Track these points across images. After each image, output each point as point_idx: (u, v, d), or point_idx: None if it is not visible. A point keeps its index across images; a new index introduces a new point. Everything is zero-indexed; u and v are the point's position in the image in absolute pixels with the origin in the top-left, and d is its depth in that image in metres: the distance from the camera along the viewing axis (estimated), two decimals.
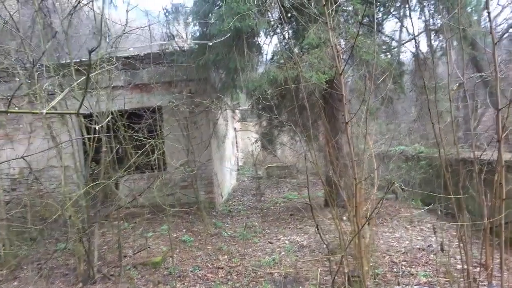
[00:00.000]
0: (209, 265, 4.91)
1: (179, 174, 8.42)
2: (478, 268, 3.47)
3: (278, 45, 7.63)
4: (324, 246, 5.08)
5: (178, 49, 8.15)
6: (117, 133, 5.30)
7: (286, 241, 5.75)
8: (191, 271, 4.66)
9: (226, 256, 5.23)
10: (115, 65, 5.58)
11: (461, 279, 3.11)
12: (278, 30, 7.46)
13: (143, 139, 5.12)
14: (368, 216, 3.94)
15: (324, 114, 5.15)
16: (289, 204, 8.94)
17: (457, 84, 4.15)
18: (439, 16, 6.86)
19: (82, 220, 4.23)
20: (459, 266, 3.87)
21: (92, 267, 3.95)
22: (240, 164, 18.17)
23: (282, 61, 6.44)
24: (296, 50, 6.90)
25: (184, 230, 6.58)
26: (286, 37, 7.25)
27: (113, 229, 6.25)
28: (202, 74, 8.17)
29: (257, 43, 7.43)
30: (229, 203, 9.84)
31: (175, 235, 6.23)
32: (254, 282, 4.22)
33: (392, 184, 2.86)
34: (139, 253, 5.06)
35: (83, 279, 4.07)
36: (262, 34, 7.66)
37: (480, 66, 10.11)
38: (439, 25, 7.06)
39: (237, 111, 16.99)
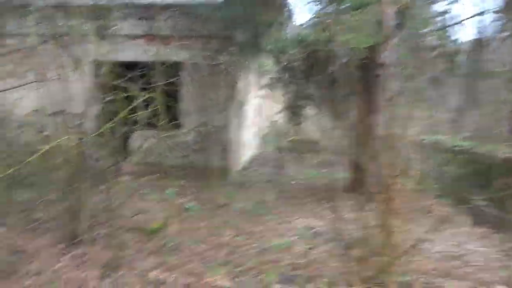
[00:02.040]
0: (211, 239, 4.40)
1: (193, 136, 7.90)
2: None
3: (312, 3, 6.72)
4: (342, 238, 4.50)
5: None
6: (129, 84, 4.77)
7: (301, 225, 5.17)
8: (188, 244, 4.16)
9: (232, 232, 4.71)
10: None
11: None
12: None
13: (154, 95, 4.57)
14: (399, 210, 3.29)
15: (359, 88, 4.41)
16: (309, 182, 8.31)
17: None
18: None
19: (73, 173, 3.74)
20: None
21: (76, 227, 3.50)
22: (263, 133, 17.56)
23: (316, 19, 5.61)
24: (332, 10, 6.03)
25: (191, 197, 6.10)
26: None
27: (115, 186, 5.85)
28: (226, 31, 7.42)
29: None
30: (245, 172, 9.31)
31: (180, 201, 5.76)
32: (258, 269, 3.68)
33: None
34: (136, 216, 4.60)
35: (67, 238, 3.63)
36: None
37: None
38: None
39: (264, 78, 16.21)
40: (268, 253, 4.07)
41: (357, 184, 6.42)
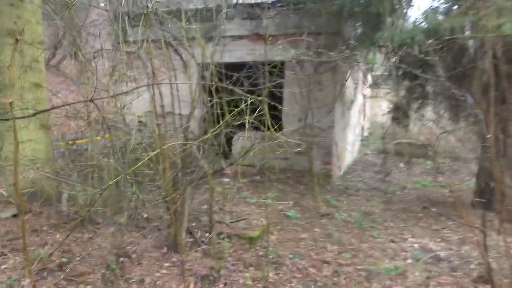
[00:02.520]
0: (312, 254, 4.05)
1: (295, 138, 7.62)
2: None
3: None
4: (476, 265, 3.73)
5: None
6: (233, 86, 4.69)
7: (415, 245, 4.49)
8: (289, 258, 3.87)
9: (335, 247, 4.29)
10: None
11: None
12: None
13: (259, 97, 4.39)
14: None
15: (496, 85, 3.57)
16: (422, 192, 7.38)
17: None
18: None
19: (177, 175, 3.73)
20: None
21: (178, 233, 3.46)
22: (365, 134, 16.52)
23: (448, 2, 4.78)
24: None
25: (291, 203, 5.82)
26: None
27: (216, 189, 5.88)
28: (334, 26, 6.95)
29: None
30: (347, 177, 8.72)
31: (280, 207, 5.52)
32: None
33: None
34: (236, 222, 4.48)
35: (169, 242, 3.64)
36: None
37: None
38: None
39: (368, 76, 15.17)
40: (378, 278, 3.56)
41: (487, 198, 5.41)
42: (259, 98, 3.31)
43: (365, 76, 13.76)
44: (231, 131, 5.60)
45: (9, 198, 4.07)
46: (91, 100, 2.15)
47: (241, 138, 8.13)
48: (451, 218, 5.52)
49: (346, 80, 7.16)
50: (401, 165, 10.99)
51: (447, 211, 5.83)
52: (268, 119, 4.09)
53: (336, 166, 7.92)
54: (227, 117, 3.71)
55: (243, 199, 5.64)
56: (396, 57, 7.15)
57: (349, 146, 10.35)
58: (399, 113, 11.28)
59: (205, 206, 5.11)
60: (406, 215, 5.68)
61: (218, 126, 4.20)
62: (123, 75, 5.34)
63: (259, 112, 3.48)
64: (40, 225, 3.77)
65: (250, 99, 3.22)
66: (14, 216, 4.02)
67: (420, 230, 5.00)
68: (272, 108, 6.23)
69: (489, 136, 3.54)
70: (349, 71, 7.20)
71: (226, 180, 6.70)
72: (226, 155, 8.58)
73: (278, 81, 5.86)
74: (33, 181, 4.24)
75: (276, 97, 6.63)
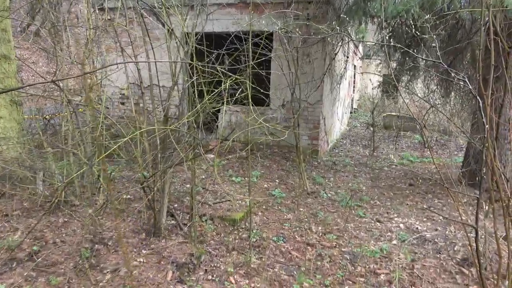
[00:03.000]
0: (297, 236, 3.96)
1: (283, 112, 7.43)
2: None
3: None
4: (461, 247, 3.69)
5: None
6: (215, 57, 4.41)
7: (401, 225, 4.44)
8: (273, 240, 3.78)
9: (320, 228, 4.21)
10: None
11: None
12: None
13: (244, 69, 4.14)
14: None
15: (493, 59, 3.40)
16: (409, 168, 7.34)
17: None
18: None
19: (158, 152, 3.54)
20: None
21: (156, 217, 3.31)
22: (355, 107, 16.37)
23: None
24: None
25: (277, 181, 5.70)
26: None
27: (202, 164, 5.71)
28: None
29: None
30: (335, 152, 8.64)
31: (265, 185, 5.40)
32: (350, 282, 3.15)
33: None
34: (219, 203, 4.35)
35: (149, 226, 3.50)
36: None
37: None
38: None
39: (360, 46, 14.81)
40: (362, 261, 3.50)
41: (475, 177, 5.37)
42: (241, 78, 3.08)
43: (356, 47, 13.43)
44: (216, 105, 5.38)
45: None
46: (53, 81, 1.91)
47: (226, 112, 7.91)
48: (437, 197, 5.50)
49: (336, 54, 6.89)
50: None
51: (434, 189, 5.80)
52: (249, 94, 3.87)
53: (323, 141, 7.80)
54: (208, 94, 3.48)
55: (228, 177, 5.50)
56: (388, 29, 6.89)
57: (338, 120, 10.21)
58: (389, 86, 11.10)
59: (188, 186, 4.96)
60: (392, 193, 5.63)
61: (201, 102, 3.98)
62: (97, 47, 5.00)
63: (243, 87, 3.28)
64: (12, 209, 3.58)
65: (231, 78, 3.00)
66: None
67: (406, 209, 4.96)
68: (258, 82, 6.00)
69: (484, 119, 3.40)
70: (339, 44, 6.93)
71: (211, 156, 6.53)
72: (212, 129, 8.38)
73: (265, 55, 5.61)
74: (5, 161, 4.01)
75: (263, 70, 6.38)
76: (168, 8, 4.80)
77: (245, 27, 7.04)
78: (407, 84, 8.29)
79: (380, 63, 13.88)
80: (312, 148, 7.34)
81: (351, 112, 14.97)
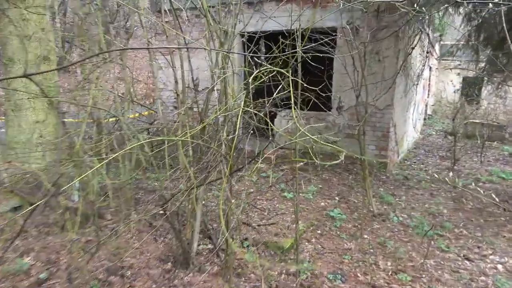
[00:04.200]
0: (359, 274, 3.17)
1: (347, 118, 6.58)
2: None
3: None
4: None
5: None
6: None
7: (499, 266, 3.43)
8: (328, 278, 3.04)
9: (389, 264, 3.37)
10: None
11: None
12: None
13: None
14: None
15: None
16: (501, 187, 6.07)
17: None
18: None
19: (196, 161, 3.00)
20: None
21: (183, 245, 2.75)
22: (429, 112, 14.75)
23: None
24: None
25: (337, 198, 4.90)
26: None
27: (253, 176, 5.12)
28: None
29: None
30: (406, 164, 7.54)
31: (322, 203, 4.63)
32: None
33: None
34: (265, 226, 3.70)
35: (175, 254, 2.95)
36: None
37: None
38: None
39: (436, 45, 13.27)
40: None
41: None
42: (291, 78, 2.42)
43: (432, 46, 12.01)
44: (272, 110, 4.77)
45: (11, 189, 3.61)
46: (25, 76, 1.43)
47: (284, 117, 7.25)
48: None
49: (413, 48, 5.88)
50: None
51: None
52: (291, 95, 3.19)
53: (393, 152, 6.80)
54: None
55: (279, 192, 4.83)
56: (477, 19, 5.76)
57: (411, 127, 9.04)
58: (473, 89, 9.64)
59: (234, 201, 4.38)
60: (483, 219, 4.54)
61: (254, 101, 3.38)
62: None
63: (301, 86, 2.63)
64: (34, 223, 3.26)
65: (292, 72, 2.33)
66: (16, 208, 3.56)
67: (503, 243, 3.89)
68: (318, 84, 5.27)
69: None
70: (416, 37, 5.91)
71: (263, 166, 5.91)
72: (267, 136, 7.78)
73: (325, 52, 4.88)
74: (39, 169, 3.75)
75: (325, 71, 5.63)
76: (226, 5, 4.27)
77: (306, 23, 6.32)
78: (498, 87, 6.98)
79: (459, 64, 12.31)
80: (380, 159, 6.40)
81: (424, 119, 13.46)
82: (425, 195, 5.47)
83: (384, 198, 5.02)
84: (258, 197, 4.55)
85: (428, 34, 7.23)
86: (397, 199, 5.14)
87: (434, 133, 12.15)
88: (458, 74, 12.49)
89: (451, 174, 6.53)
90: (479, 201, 5.30)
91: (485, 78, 6.94)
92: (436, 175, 6.57)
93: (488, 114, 11.35)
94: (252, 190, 4.82)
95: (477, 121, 11.44)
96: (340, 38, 6.18)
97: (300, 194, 4.71)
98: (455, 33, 7.29)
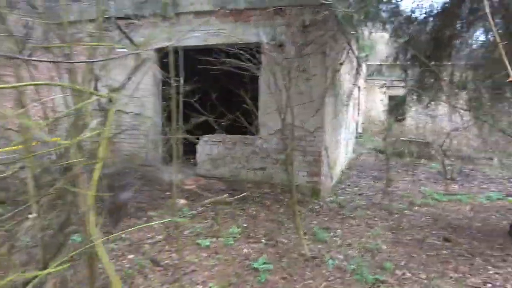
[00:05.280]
0: None
1: (275, 142, 5.94)
2: None
3: None
4: None
5: None
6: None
7: None
8: None
9: None
10: None
11: None
12: None
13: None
14: None
15: None
16: (436, 211, 5.78)
17: None
18: None
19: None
20: None
21: None
22: (359, 130, 14.89)
23: None
24: None
25: (263, 240, 4.14)
26: None
27: (166, 214, 4.19)
28: None
29: None
30: (340, 187, 7.09)
31: (245, 250, 3.82)
32: None
33: None
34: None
35: None
36: None
37: None
38: None
39: (363, 65, 13.48)
40: None
41: None
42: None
43: (359, 65, 12.11)
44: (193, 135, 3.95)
45: None
46: None
47: (207, 142, 6.44)
48: (489, 261, 3.91)
49: (342, 64, 5.44)
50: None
51: (481, 246, 4.23)
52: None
53: (327, 177, 6.28)
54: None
55: (193, 236, 3.94)
56: (404, 37, 5.51)
57: (343, 148, 8.72)
58: (401, 107, 9.64)
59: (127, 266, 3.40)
60: (424, 255, 4.05)
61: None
62: None
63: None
64: None
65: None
66: None
67: (451, 286, 3.38)
68: (244, 104, 4.59)
69: None
70: (344, 52, 5.49)
71: (181, 203, 5.00)
72: (189, 162, 6.88)
73: (248, 70, 4.20)
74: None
75: (249, 91, 4.94)
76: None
77: (228, 38, 5.62)
78: (427, 106, 6.84)
79: (384, 84, 12.55)
80: (312, 186, 5.81)
81: (356, 137, 13.49)
82: (361, 226, 4.94)
83: (318, 235, 4.36)
84: (166, 246, 3.63)
85: (352, 49, 6.96)
86: (331, 234, 4.52)
87: (365, 151, 12.12)
88: (384, 93, 12.71)
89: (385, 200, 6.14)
90: (419, 229, 4.88)
91: (413, 97, 6.78)
92: (371, 201, 6.16)
93: (416, 132, 11.57)
94: (160, 237, 3.89)
95: (406, 139, 11.61)
96: (264, 54, 5.58)
97: (220, 239, 3.86)
98: (383, 52, 7.15)
